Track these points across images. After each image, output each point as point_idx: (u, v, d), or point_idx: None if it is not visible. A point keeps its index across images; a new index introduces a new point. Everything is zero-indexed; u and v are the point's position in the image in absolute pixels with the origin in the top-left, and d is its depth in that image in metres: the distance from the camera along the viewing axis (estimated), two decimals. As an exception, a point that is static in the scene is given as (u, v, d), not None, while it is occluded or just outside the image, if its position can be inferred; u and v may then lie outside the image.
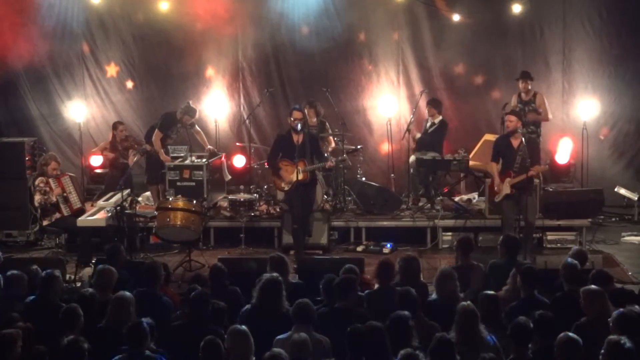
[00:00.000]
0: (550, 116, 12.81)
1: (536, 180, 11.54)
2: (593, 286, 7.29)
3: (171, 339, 7.04)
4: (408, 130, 13.19)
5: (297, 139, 11.14)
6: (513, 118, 10.94)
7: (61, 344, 6.48)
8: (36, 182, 11.34)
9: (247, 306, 7.59)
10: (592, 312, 7.01)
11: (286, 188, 11.32)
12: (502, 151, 11.00)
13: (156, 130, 12.77)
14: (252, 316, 7.28)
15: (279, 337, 6.79)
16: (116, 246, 9.30)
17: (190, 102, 12.97)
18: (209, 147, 12.96)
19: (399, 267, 8.27)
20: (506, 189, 10.87)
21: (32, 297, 7.91)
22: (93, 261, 10.50)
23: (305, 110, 12.40)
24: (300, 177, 11.03)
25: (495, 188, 11.06)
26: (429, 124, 13.24)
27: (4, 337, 6.43)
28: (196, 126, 13.02)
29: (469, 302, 6.91)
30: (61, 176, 11.47)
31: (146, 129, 13.95)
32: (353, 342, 6.40)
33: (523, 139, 10.83)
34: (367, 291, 8.11)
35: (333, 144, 13.11)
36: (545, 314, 6.71)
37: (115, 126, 13.39)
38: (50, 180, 11.29)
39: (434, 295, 7.94)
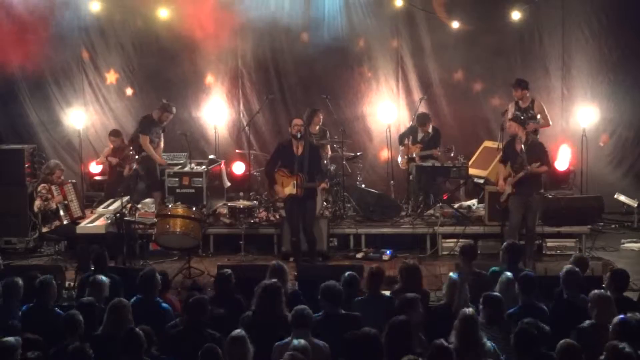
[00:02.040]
0: (550, 122, 12.80)
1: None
2: (602, 291, 7.31)
3: (170, 345, 7.03)
4: (404, 144, 13.19)
5: (298, 148, 11.11)
6: (513, 123, 11.18)
7: (65, 351, 6.47)
8: (38, 188, 11.36)
9: (247, 312, 7.60)
10: (598, 317, 7.01)
11: (280, 199, 11.31)
12: (508, 154, 11.20)
13: (141, 136, 12.85)
14: (252, 323, 7.28)
15: (278, 343, 6.81)
16: (101, 252, 9.27)
17: (164, 100, 13.08)
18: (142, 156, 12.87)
19: (400, 275, 8.27)
20: (508, 189, 11.03)
21: (29, 305, 7.90)
22: (92, 268, 10.52)
23: (311, 119, 12.53)
24: (295, 192, 11.02)
25: (499, 188, 11.29)
26: (422, 135, 13.24)
27: (3, 345, 6.41)
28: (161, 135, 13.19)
29: (469, 308, 6.91)
30: (64, 184, 11.48)
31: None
32: (349, 348, 6.40)
33: (523, 144, 10.93)
34: (357, 299, 8.11)
35: (329, 152, 13.11)
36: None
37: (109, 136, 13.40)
38: (53, 187, 11.30)
39: (442, 302, 7.97)
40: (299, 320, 6.90)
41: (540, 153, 11.00)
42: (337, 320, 7.30)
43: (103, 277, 8.16)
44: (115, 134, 13.32)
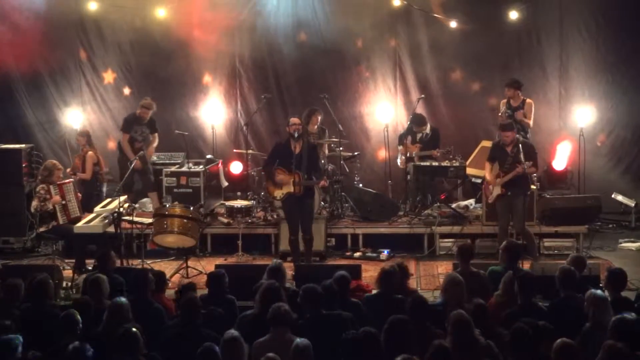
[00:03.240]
0: (531, 124, 12.76)
1: (533, 187, 11.56)
2: (597, 291, 7.31)
3: (166, 345, 7.02)
4: (403, 143, 13.18)
5: (296, 147, 11.08)
6: (509, 133, 11.01)
7: (63, 350, 6.46)
8: (37, 189, 11.33)
9: (246, 312, 7.59)
10: (594, 317, 7.01)
11: (278, 198, 11.27)
12: (497, 154, 11.12)
13: (122, 133, 13.07)
14: (252, 323, 7.27)
15: (258, 340, 6.81)
16: (106, 252, 9.27)
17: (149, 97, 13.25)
18: (139, 155, 12.73)
19: (378, 279, 8.23)
20: (497, 189, 11.03)
21: (26, 304, 7.89)
22: (90, 268, 10.52)
23: (309, 118, 12.53)
24: (293, 190, 11.00)
25: (490, 187, 11.20)
26: (421, 135, 13.22)
27: (5, 342, 6.40)
28: (155, 134, 13.26)
29: (459, 309, 6.90)
30: (64, 183, 11.43)
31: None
32: (348, 348, 6.40)
33: (520, 144, 10.89)
34: (366, 295, 8.09)
35: (327, 152, 13.11)
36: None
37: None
38: (51, 187, 11.24)
39: (439, 300, 7.97)
40: (277, 318, 6.89)
41: (532, 154, 10.97)
42: (319, 321, 7.27)
43: (102, 275, 8.14)
44: (81, 134, 13.18)
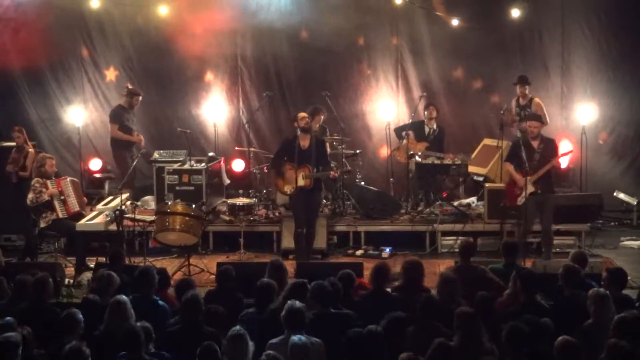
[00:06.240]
0: (547, 120, 12.76)
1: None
2: (600, 289, 7.30)
3: (168, 343, 7.02)
4: (407, 135, 13.16)
5: (304, 142, 11.11)
6: (536, 124, 11.00)
7: (62, 349, 6.44)
8: (32, 182, 11.33)
9: (248, 310, 7.59)
10: (597, 315, 7.01)
11: (288, 192, 11.29)
12: (519, 151, 10.96)
13: (110, 125, 13.25)
14: (253, 320, 7.28)
15: (271, 341, 6.75)
16: (118, 251, 9.28)
17: (129, 85, 13.59)
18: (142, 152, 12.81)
19: (402, 271, 8.25)
20: (530, 188, 10.87)
21: (25, 303, 7.87)
22: (92, 265, 10.52)
23: (313, 117, 12.55)
24: (303, 183, 11.03)
25: (516, 189, 11.04)
26: (428, 130, 13.22)
27: (6, 341, 6.40)
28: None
29: (466, 306, 6.90)
30: (61, 179, 11.46)
31: (144, 134, 13.96)
32: (351, 346, 6.39)
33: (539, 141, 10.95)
34: (361, 293, 8.09)
35: (329, 149, 13.10)
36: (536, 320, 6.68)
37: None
38: (48, 181, 11.26)
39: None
40: (292, 320, 6.76)
41: (556, 148, 11.07)
42: (328, 319, 7.24)
43: (112, 272, 8.15)
44: (19, 130, 12.62)
